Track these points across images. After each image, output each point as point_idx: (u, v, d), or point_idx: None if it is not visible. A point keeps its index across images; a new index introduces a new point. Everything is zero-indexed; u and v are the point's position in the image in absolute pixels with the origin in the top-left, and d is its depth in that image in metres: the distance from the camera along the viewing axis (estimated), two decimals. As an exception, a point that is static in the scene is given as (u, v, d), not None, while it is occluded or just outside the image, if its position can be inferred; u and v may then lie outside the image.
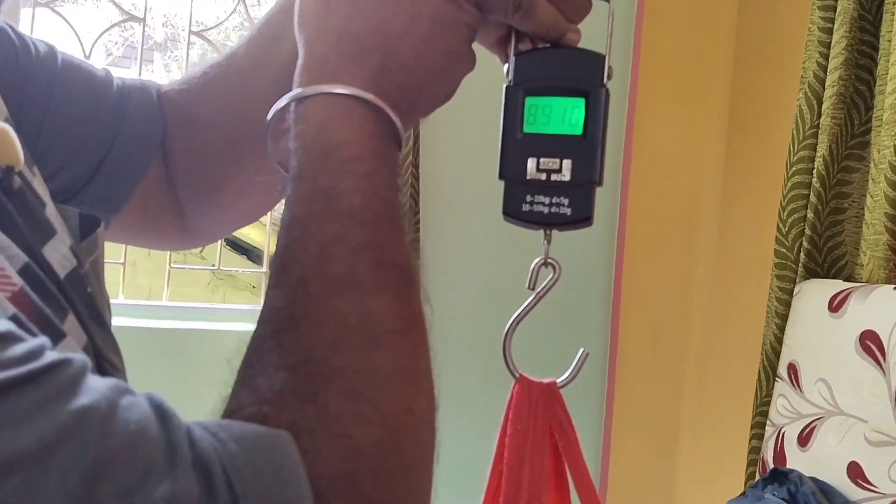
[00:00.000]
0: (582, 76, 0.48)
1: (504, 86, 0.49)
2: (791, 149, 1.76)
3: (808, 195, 1.72)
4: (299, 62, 0.44)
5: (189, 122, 0.61)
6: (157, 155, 0.61)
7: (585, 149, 0.47)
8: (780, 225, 1.78)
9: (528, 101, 0.48)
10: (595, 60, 0.48)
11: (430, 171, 2.10)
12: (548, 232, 0.49)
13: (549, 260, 0.51)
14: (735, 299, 2.23)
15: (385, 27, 0.43)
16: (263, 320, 0.37)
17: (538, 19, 0.47)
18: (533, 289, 0.51)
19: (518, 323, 0.53)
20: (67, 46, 2.05)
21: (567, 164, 0.47)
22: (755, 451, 1.81)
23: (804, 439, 1.63)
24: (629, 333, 2.35)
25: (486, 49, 0.53)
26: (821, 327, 1.65)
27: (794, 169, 1.75)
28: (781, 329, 1.74)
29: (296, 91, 0.42)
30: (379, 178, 0.40)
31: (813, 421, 1.62)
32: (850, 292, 1.60)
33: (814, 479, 1.55)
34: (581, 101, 0.47)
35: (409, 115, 0.44)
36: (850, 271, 1.72)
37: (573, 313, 2.31)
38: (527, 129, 0.48)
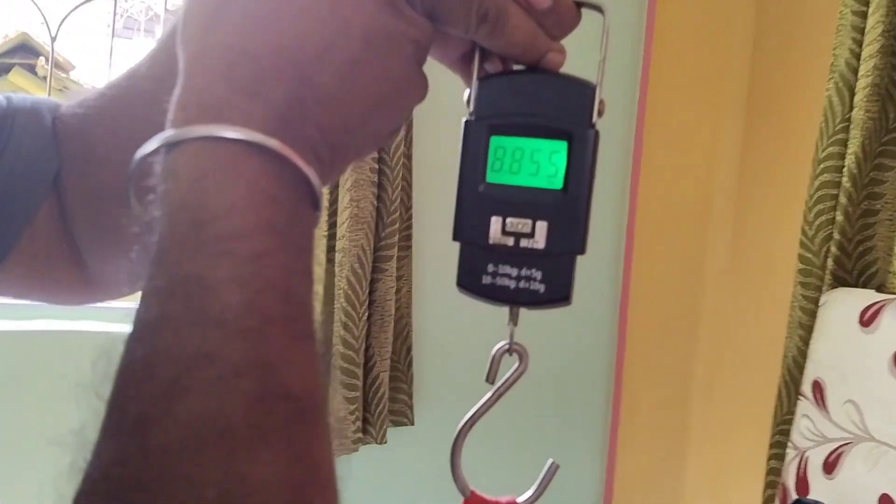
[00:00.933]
0: (565, 112, 0.37)
1: (463, 119, 0.37)
2: (819, 144, 1.61)
3: (838, 195, 1.57)
4: (176, 92, 0.31)
5: (85, 153, 0.49)
6: (48, 194, 0.49)
7: (566, 208, 0.37)
8: (806, 228, 1.62)
9: (494, 141, 0.37)
10: (582, 91, 0.37)
11: (423, 161, 1.95)
12: (514, 310, 0.39)
13: (514, 346, 0.41)
14: (748, 303, 2.08)
15: (297, 45, 0.30)
16: (85, 484, 0.25)
17: (511, 36, 0.35)
18: (492, 382, 0.41)
19: (471, 426, 0.41)
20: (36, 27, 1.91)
21: (542, 227, 0.37)
22: (774, 472, 1.67)
23: (830, 466, 1.49)
24: (637, 335, 2.21)
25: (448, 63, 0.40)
26: (850, 342, 1.50)
27: (821, 167, 1.60)
28: (805, 342, 1.60)
29: (165, 133, 0.29)
30: (273, 261, 0.28)
31: (840, 446, 1.48)
32: (884, 305, 1.45)
33: (840, 513, 1.42)
34: (562, 146, 0.36)
35: (334, 163, 0.32)
36: (881, 280, 1.57)
37: (578, 313, 2.17)
38: (490, 177, 0.37)
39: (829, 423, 1.52)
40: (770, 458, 1.68)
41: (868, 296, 1.50)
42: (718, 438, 2.17)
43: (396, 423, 1.98)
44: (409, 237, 1.93)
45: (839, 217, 1.57)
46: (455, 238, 0.38)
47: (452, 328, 2.03)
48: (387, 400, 1.91)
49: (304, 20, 0.30)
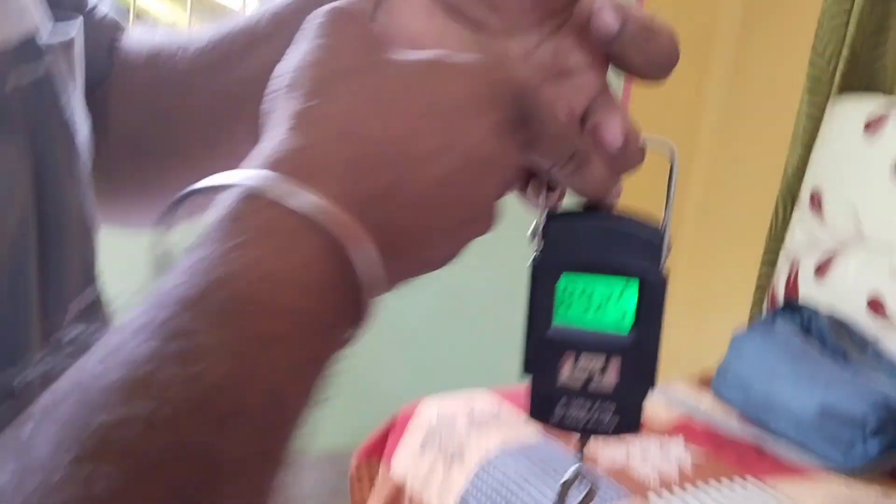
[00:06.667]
0: (635, 255, 0.36)
1: (532, 257, 0.36)
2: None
3: (852, 6, 1.56)
4: (268, 139, 0.28)
5: (172, 103, 0.45)
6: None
7: (637, 350, 0.37)
8: (817, 39, 1.61)
9: (563, 281, 0.37)
10: (652, 234, 0.36)
11: None
12: (583, 438, 0.38)
13: (583, 474, 0.39)
14: (750, 121, 2.08)
15: (406, 143, 0.28)
16: None
17: (589, 175, 0.35)
18: None
19: None
20: None
21: (613, 366, 0.36)
22: (764, 276, 1.72)
23: (822, 269, 1.54)
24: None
25: None
26: (853, 148, 1.52)
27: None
28: (808, 149, 1.62)
29: (245, 173, 0.26)
30: (303, 355, 0.25)
31: (833, 249, 1.53)
32: (890, 113, 1.47)
33: (829, 317, 1.47)
34: (633, 289, 0.36)
35: (390, 280, 0.29)
36: (890, 89, 1.58)
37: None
38: (558, 319, 0.37)
39: (825, 228, 1.56)
40: (762, 265, 1.73)
41: (874, 102, 1.51)
42: (709, 259, 2.22)
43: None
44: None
45: (851, 28, 1.55)
46: (525, 371, 0.37)
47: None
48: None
49: (419, 122, 0.28)
